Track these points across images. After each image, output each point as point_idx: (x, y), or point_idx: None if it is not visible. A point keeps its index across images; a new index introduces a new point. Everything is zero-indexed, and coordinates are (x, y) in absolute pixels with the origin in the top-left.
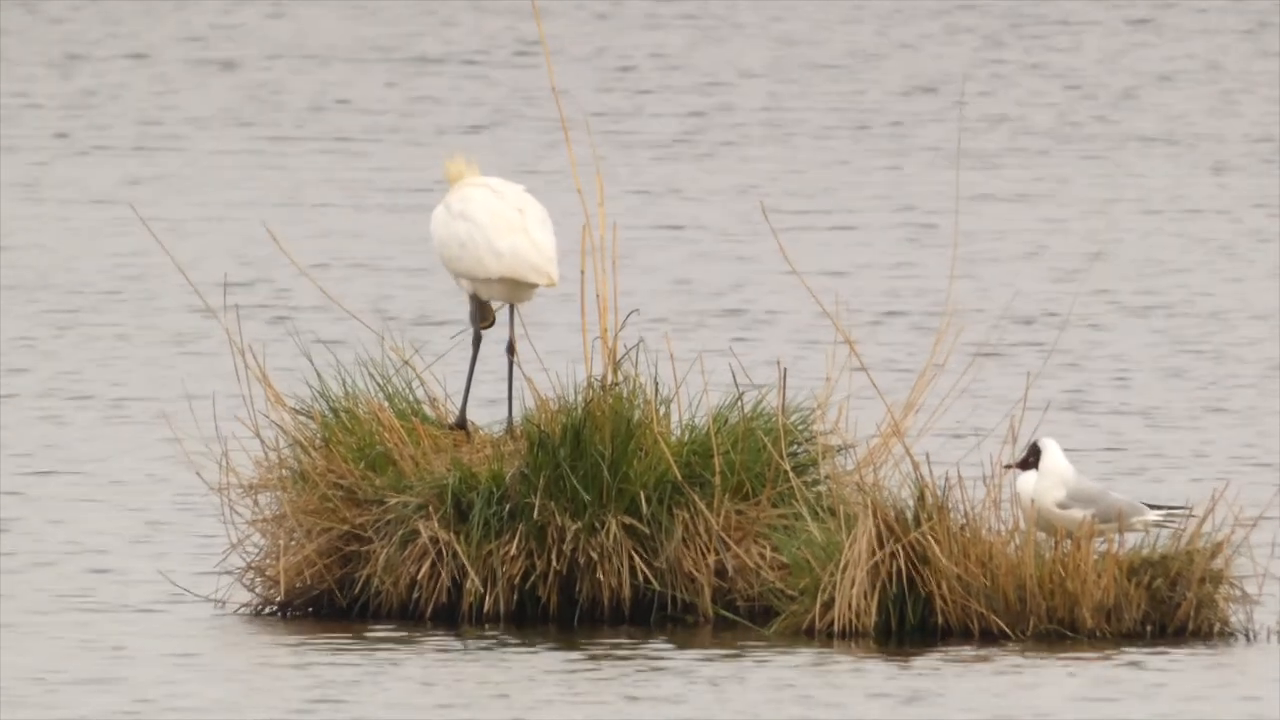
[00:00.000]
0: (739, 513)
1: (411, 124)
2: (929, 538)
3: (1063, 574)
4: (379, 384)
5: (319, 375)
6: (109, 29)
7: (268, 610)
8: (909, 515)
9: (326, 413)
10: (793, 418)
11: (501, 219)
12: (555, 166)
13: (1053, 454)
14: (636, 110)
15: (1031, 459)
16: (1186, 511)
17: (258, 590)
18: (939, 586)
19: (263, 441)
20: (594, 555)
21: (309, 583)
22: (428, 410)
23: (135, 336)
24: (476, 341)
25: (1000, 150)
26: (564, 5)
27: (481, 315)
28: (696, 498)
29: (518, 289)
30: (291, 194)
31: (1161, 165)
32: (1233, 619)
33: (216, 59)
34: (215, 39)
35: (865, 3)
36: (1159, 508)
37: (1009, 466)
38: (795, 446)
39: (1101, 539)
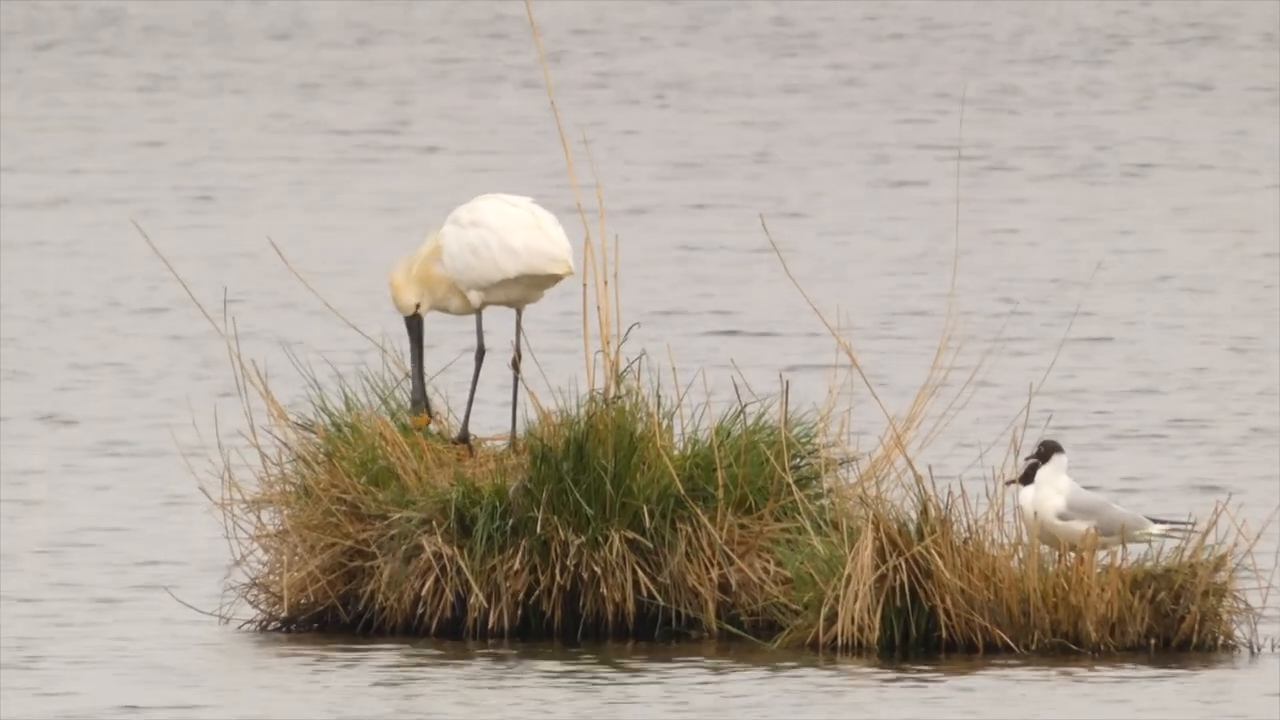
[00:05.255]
0: (742, 526)
1: (413, 141)
2: (932, 551)
3: (1066, 587)
4: (382, 398)
5: (321, 390)
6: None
7: (271, 626)
8: (912, 529)
9: (329, 427)
10: (795, 431)
11: (514, 219)
12: (556, 182)
13: (1052, 465)
14: (639, 126)
15: (1038, 460)
16: (1189, 526)
17: (261, 606)
18: (942, 600)
19: (265, 457)
20: (597, 570)
21: (313, 599)
22: (430, 424)
23: (133, 350)
24: (479, 356)
25: (1035, 166)
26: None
27: (417, 409)
28: (699, 511)
29: (533, 287)
30: (295, 212)
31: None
32: (1236, 632)
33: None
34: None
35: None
36: (1162, 521)
37: (1010, 482)
38: (798, 460)
39: (1104, 552)
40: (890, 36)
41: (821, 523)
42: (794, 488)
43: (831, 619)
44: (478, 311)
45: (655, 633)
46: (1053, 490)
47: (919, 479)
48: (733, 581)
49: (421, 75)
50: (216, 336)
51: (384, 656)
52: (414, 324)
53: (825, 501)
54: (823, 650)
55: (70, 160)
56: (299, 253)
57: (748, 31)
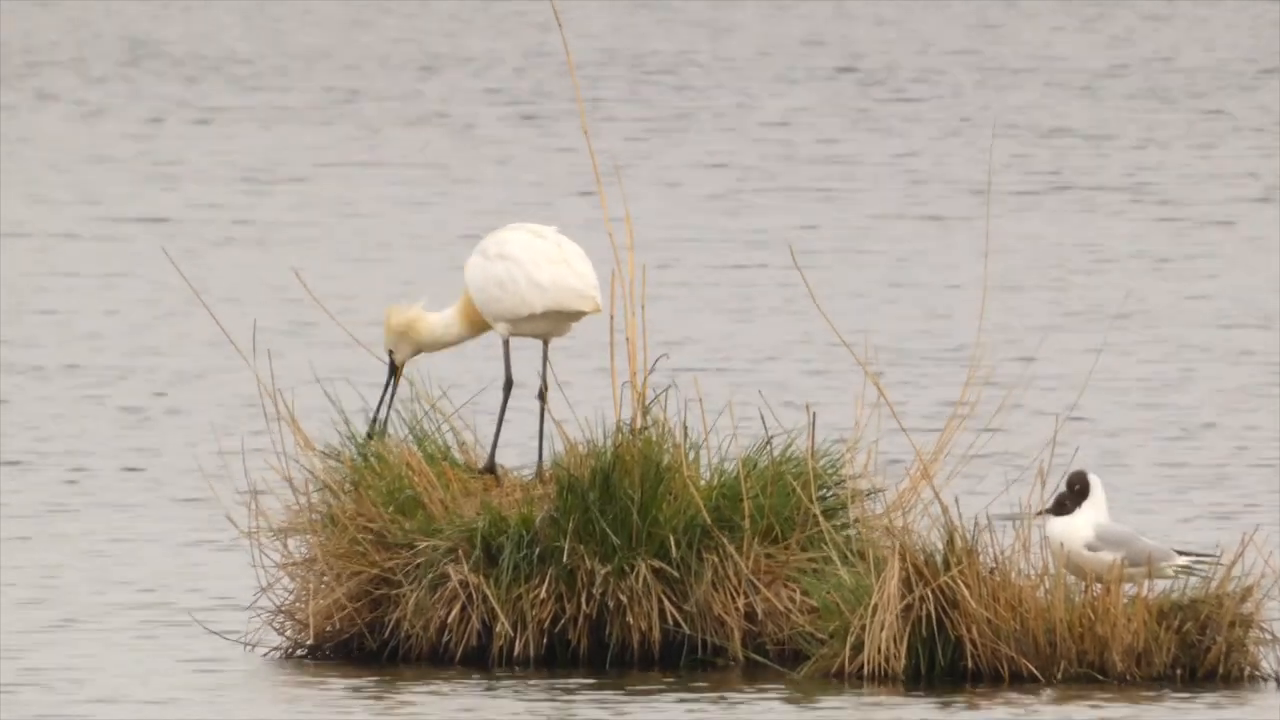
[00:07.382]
0: (768, 556)
1: (442, 168)
2: (958, 581)
3: (1093, 618)
4: (408, 428)
5: (347, 420)
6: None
7: (298, 653)
8: (938, 559)
9: (356, 457)
10: (822, 462)
11: (541, 253)
12: (586, 213)
13: (1095, 497)
14: (668, 154)
15: (1075, 491)
16: (1215, 559)
17: (288, 633)
18: (969, 630)
19: (292, 485)
20: (624, 598)
21: (339, 626)
22: (457, 454)
23: (160, 380)
24: (507, 387)
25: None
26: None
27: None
28: (726, 541)
29: (560, 322)
30: (340, 245)
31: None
32: (1263, 663)
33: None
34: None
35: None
36: (1188, 554)
37: (1039, 513)
38: (825, 490)
39: (1131, 583)
40: (987, 70)
41: (848, 553)
42: (820, 518)
43: (857, 648)
44: (505, 342)
45: (681, 661)
46: (1085, 520)
47: (945, 509)
48: (759, 610)
49: (481, 109)
50: (265, 368)
51: (409, 684)
52: (391, 367)
53: (851, 532)
54: (848, 679)
55: (127, 190)
56: (342, 287)
57: (814, 74)
